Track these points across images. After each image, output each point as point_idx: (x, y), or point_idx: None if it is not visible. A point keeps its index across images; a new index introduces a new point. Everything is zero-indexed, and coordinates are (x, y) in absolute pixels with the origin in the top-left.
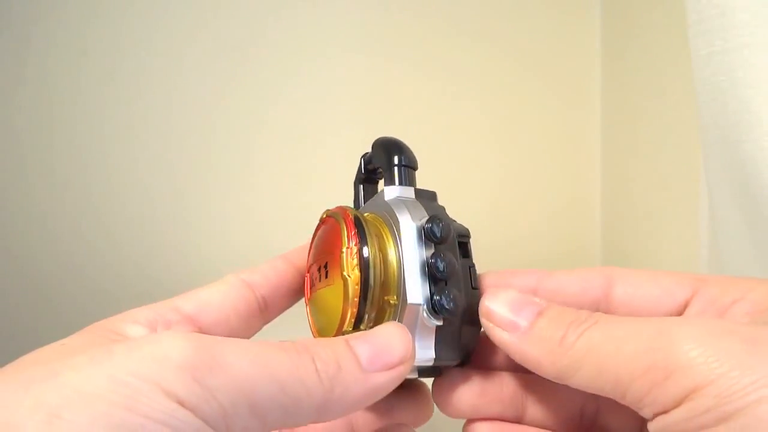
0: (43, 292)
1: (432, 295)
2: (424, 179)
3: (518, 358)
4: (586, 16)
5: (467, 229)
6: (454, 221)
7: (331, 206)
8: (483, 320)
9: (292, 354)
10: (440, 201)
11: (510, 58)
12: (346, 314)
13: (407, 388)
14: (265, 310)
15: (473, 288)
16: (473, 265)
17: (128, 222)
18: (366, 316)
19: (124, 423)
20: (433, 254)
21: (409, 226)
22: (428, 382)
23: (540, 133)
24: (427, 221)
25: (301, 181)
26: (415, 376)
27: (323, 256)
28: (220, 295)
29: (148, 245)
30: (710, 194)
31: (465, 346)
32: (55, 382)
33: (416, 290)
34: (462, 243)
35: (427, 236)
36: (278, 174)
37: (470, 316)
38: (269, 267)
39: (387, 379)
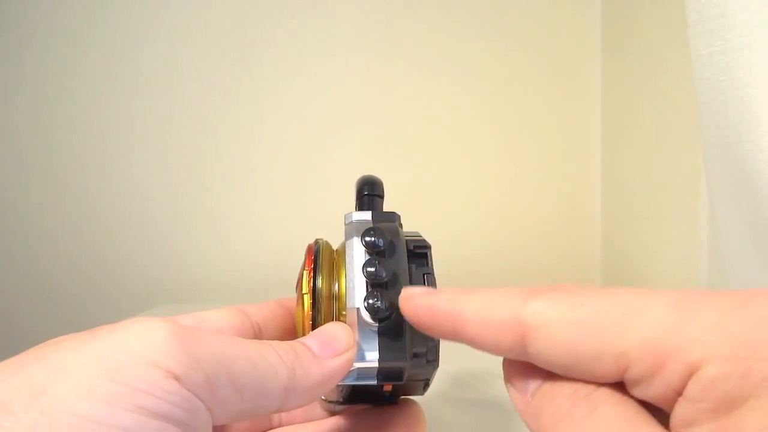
0: (42, 291)
1: (369, 295)
2: (425, 180)
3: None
4: (586, 16)
5: (426, 242)
6: (417, 236)
7: (330, 207)
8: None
9: (257, 342)
10: (440, 202)
11: (510, 58)
12: (305, 325)
13: (400, 406)
14: (260, 335)
15: None
16: (430, 273)
17: (127, 222)
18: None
19: (109, 394)
20: (367, 262)
21: (352, 241)
22: (419, 400)
23: (540, 133)
24: (363, 234)
25: (300, 182)
26: (374, 382)
27: (297, 281)
28: (218, 314)
29: (148, 245)
30: (710, 194)
31: (419, 350)
32: (42, 362)
33: (354, 296)
34: (419, 254)
35: (366, 247)
36: (278, 174)
37: None
38: (263, 304)
39: (339, 364)
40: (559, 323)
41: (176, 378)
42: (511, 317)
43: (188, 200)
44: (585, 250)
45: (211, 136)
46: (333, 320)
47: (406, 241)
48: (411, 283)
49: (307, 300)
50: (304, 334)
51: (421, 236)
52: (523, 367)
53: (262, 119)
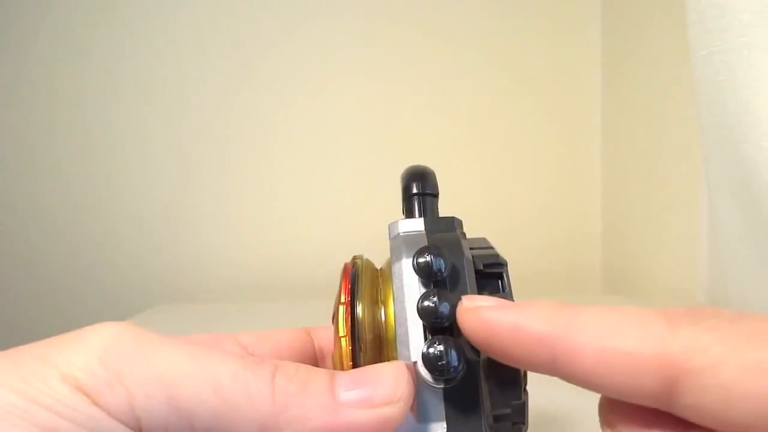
0: (44, 290)
1: (428, 345)
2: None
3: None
4: (586, 16)
5: (499, 256)
6: (486, 246)
7: (332, 208)
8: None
9: (248, 361)
10: (440, 203)
11: (510, 59)
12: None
13: None
14: (322, 361)
15: None
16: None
17: (129, 222)
18: None
19: (9, 406)
20: (423, 296)
21: (399, 266)
22: None
23: (540, 133)
24: (416, 254)
25: (301, 184)
26: None
27: (333, 315)
28: (278, 333)
29: (149, 245)
30: (710, 194)
31: (500, 412)
32: None
33: (408, 344)
34: (492, 274)
35: (419, 275)
36: (279, 175)
37: (502, 372)
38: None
39: (364, 419)
40: (734, 366)
41: (87, 394)
42: (654, 353)
43: (190, 201)
44: (585, 250)
45: (213, 139)
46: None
47: (473, 258)
48: None
49: (345, 345)
50: None
51: (490, 246)
52: (638, 416)
53: (265, 122)
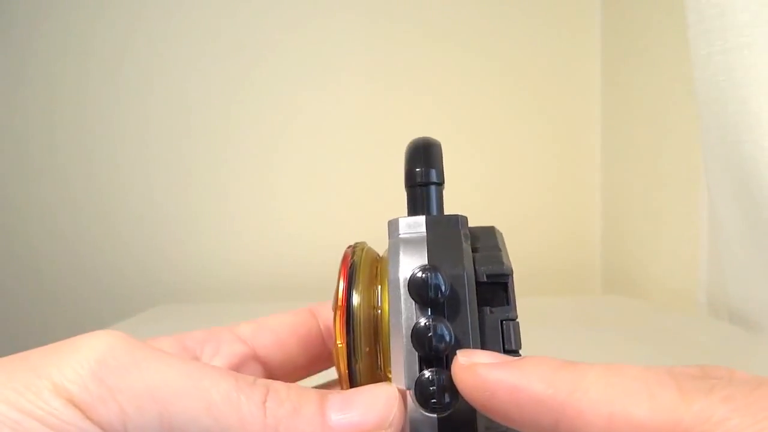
0: (45, 290)
1: (420, 376)
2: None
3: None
4: (586, 16)
5: (504, 265)
6: (493, 247)
7: (330, 207)
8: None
9: (241, 382)
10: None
11: (511, 59)
12: (343, 378)
13: None
14: (330, 340)
15: (507, 351)
16: (512, 318)
17: (130, 223)
18: None
19: (1, 417)
20: (416, 323)
21: (395, 279)
22: None
23: (540, 133)
24: (412, 278)
25: (299, 184)
26: None
27: (333, 306)
28: (279, 319)
29: (150, 246)
30: (710, 194)
31: None
32: None
33: (401, 369)
34: (496, 284)
35: (415, 299)
36: (278, 176)
37: None
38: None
39: None
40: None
41: (79, 408)
42: (666, 424)
43: (190, 201)
44: (585, 250)
45: (213, 140)
46: (378, 374)
47: (476, 268)
48: (484, 340)
49: (342, 353)
50: (342, 387)
51: (497, 247)
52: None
53: (265, 123)
